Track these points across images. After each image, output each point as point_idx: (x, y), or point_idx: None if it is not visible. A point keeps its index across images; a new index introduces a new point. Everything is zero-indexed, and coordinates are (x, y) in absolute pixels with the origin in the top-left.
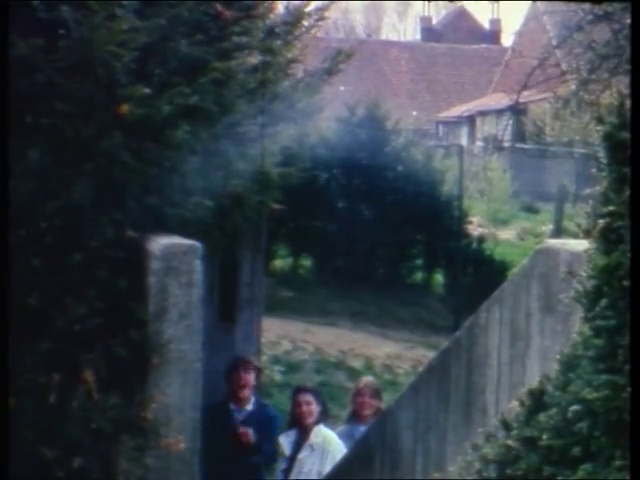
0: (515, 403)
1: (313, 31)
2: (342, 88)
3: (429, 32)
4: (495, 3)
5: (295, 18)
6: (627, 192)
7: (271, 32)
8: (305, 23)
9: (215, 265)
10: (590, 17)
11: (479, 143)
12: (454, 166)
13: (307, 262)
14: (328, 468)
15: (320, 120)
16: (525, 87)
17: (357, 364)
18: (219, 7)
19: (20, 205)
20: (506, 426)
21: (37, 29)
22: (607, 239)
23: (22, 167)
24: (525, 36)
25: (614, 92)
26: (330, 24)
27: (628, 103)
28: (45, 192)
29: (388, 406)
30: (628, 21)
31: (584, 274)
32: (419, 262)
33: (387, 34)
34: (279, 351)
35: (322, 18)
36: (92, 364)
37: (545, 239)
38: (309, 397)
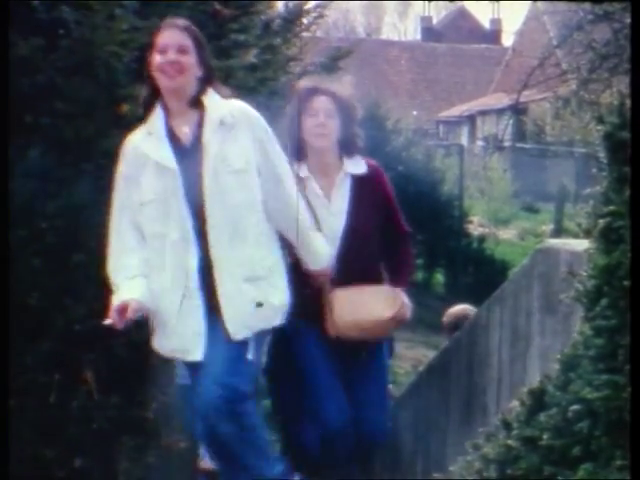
0: (515, 403)
1: (312, 29)
2: None
3: (429, 32)
4: (495, 3)
5: (294, 15)
6: (627, 192)
7: (270, 29)
8: (304, 20)
9: None
10: (590, 17)
11: (479, 143)
12: (454, 166)
13: None
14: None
15: None
16: (525, 87)
17: None
18: (217, 5)
19: (20, 205)
20: (506, 426)
21: (37, 29)
22: (607, 239)
23: (22, 167)
24: (525, 36)
25: (614, 92)
26: (330, 24)
27: (628, 103)
28: (45, 192)
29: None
30: (628, 21)
31: (584, 274)
32: (419, 261)
33: (387, 34)
34: None
35: (322, 16)
36: (92, 364)
37: (545, 239)
38: None
